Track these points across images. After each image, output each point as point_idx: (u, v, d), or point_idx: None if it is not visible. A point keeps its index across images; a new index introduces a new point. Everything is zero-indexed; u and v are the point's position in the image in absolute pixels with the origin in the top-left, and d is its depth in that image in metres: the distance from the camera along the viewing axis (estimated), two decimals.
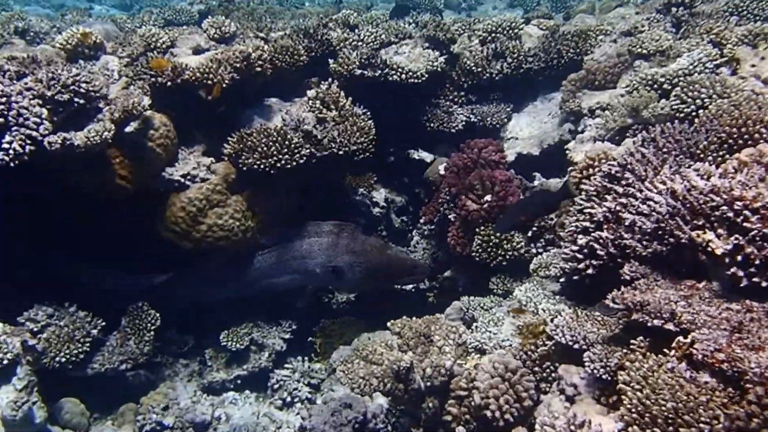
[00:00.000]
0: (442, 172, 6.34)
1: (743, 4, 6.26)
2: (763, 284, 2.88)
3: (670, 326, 2.89)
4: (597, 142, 5.25)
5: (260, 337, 6.33)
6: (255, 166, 5.45)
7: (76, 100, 4.68)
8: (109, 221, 5.65)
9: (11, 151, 4.34)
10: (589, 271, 3.75)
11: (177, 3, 11.46)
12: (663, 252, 3.27)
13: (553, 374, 3.54)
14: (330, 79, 6.28)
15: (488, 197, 5.52)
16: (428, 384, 3.77)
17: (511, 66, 7.07)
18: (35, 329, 5.43)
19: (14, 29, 6.80)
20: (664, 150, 3.95)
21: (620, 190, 3.76)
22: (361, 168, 6.87)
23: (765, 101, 4.15)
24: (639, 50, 5.86)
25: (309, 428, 4.58)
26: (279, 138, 5.46)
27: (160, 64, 5.43)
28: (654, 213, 3.35)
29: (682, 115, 4.69)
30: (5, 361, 5.19)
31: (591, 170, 4.47)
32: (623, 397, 2.77)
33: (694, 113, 4.61)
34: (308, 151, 5.63)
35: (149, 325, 5.78)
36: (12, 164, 4.37)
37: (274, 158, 5.43)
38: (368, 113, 6.03)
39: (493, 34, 7.42)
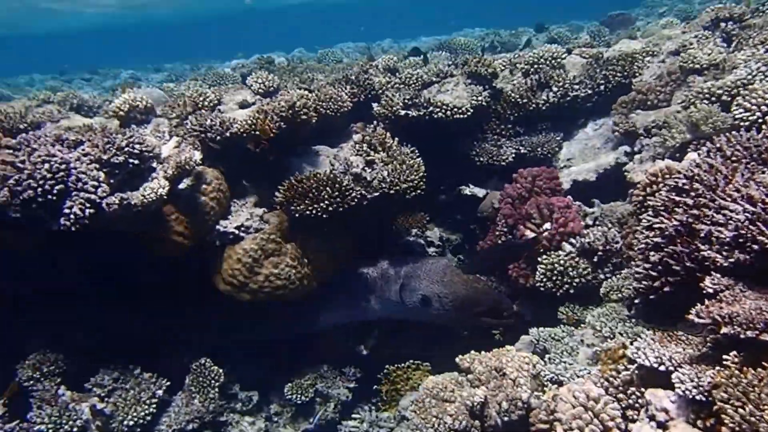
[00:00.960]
0: (496, 204, 6.22)
1: None
2: None
3: (765, 337, 2.69)
4: (657, 160, 5.09)
5: (324, 387, 6.21)
6: (307, 212, 5.42)
7: (130, 161, 4.76)
8: (170, 278, 5.67)
9: (72, 216, 4.43)
10: (666, 288, 3.56)
11: (220, 69, 11.78)
12: (747, 261, 3.08)
13: (639, 400, 3.33)
14: (375, 122, 6.28)
15: (547, 225, 5.37)
16: (505, 419, 3.59)
17: (557, 95, 6.99)
18: (102, 394, 5.43)
19: (70, 106, 7.12)
20: (733, 158, 3.77)
21: (690, 201, 3.59)
22: (413, 207, 6.78)
23: None
24: (691, 65, 5.72)
25: None
26: (329, 182, 5.44)
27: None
28: (731, 221, 3.17)
29: (746, 123, 4.52)
30: (75, 429, 5.21)
31: (655, 186, 4.30)
32: (723, 416, 2.57)
33: (760, 120, 4.43)
34: (359, 193, 5.58)
35: (213, 381, 5.73)
36: (73, 228, 4.43)
37: (326, 203, 5.39)
38: (416, 151, 5.98)
39: (536, 66, 7.36)
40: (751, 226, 3.04)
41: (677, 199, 3.73)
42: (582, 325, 4.62)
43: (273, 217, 5.67)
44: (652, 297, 3.71)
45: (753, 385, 2.57)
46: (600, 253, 5.07)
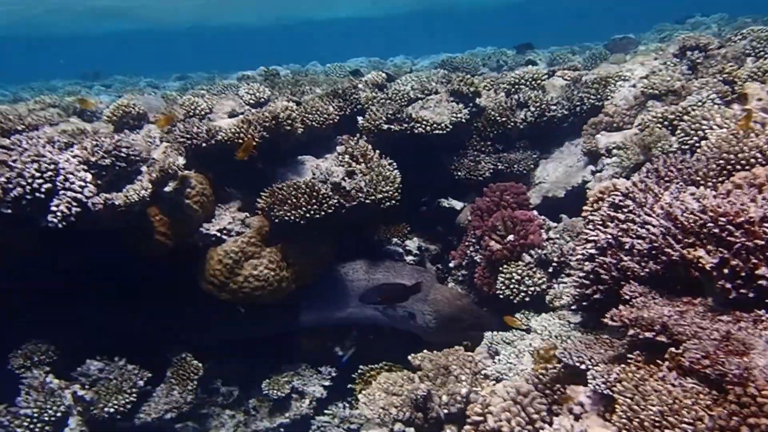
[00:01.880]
0: (470, 217, 6.54)
1: (760, 45, 6.40)
2: (751, 295, 2.98)
3: (662, 338, 3.00)
4: (613, 179, 5.40)
5: (301, 384, 6.53)
6: (286, 218, 5.76)
7: (117, 163, 5.10)
8: (154, 277, 5.98)
9: (59, 213, 4.76)
10: (596, 295, 3.87)
11: (227, 80, 12.15)
12: (659, 271, 3.40)
13: (563, 396, 3.64)
14: (358, 135, 6.61)
15: (511, 237, 5.69)
16: (446, 411, 3.91)
17: (534, 114, 7.31)
18: (87, 383, 5.75)
19: (73, 110, 7.44)
20: (666, 179, 4.10)
21: (622, 217, 3.91)
22: (391, 217, 7.11)
23: (762, 129, 4.28)
24: (651, 91, 6.05)
25: None
26: (307, 190, 5.77)
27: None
28: (649, 235, 3.49)
29: (687, 147, 4.83)
30: (59, 414, 5.53)
31: (600, 203, 4.61)
32: (616, 405, 2.88)
33: (697, 144, 4.74)
34: (336, 201, 5.91)
35: (192, 374, 6.06)
36: (60, 225, 4.76)
37: (303, 209, 5.72)
38: (394, 164, 6.31)
39: (516, 86, 7.70)
40: (662, 240, 3.35)
41: (612, 214, 4.05)
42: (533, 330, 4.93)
43: (254, 221, 6.01)
44: (584, 303, 4.02)
45: (644, 380, 2.88)
46: (554, 264, 5.40)
